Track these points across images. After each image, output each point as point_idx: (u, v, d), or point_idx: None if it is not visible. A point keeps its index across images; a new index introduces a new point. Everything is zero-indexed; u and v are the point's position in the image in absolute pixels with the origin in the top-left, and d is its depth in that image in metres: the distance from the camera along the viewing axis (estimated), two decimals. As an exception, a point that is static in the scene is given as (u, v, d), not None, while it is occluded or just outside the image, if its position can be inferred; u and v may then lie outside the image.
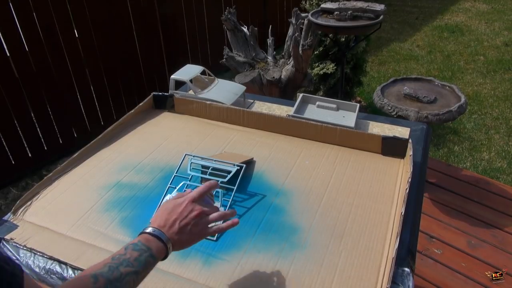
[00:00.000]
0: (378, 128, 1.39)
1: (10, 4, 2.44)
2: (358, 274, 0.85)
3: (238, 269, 0.87)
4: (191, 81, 1.50)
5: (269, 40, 2.79)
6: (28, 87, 2.67)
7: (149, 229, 0.73)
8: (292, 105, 1.48)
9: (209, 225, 0.78)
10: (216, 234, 0.95)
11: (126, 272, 0.65)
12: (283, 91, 2.65)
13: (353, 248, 0.91)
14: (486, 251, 2.04)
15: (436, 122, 2.22)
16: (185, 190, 1.05)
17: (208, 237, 0.94)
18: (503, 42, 4.72)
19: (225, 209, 1.00)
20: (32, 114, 2.77)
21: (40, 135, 2.86)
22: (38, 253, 0.92)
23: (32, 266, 0.90)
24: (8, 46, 2.50)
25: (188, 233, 0.75)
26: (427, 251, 2.05)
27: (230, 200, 1.02)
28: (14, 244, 0.95)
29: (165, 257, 0.73)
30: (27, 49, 2.60)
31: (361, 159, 1.20)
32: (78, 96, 2.99)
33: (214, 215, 0.79)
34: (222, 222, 0.81)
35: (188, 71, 1.54)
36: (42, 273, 0.89)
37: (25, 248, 0.93)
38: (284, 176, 1.14)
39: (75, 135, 3.07)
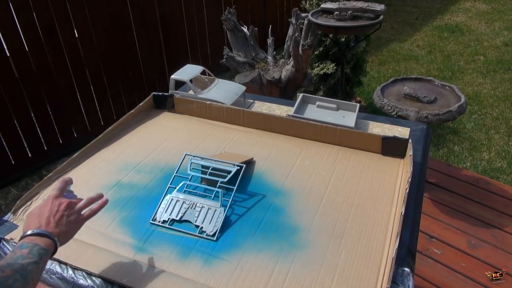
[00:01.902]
0: (378, 128, 1.39)
1: (10, 4, 2.44)
2: (358, 274, 0.85)
3: (238, 269, 0.87)
4: (191, 81, 1.50)
5: (269, 40, 2.79)
6: (28, 87, 2.67)
7: (27, 232, 0.75)
8: (292, 105, 1.48)
9: (82, 212, 0.83)
10: (216, 235, 0.95)
11: (27, 263, 0.68)
12: (283, 91, 2.65)
13: (353, 248, 0.91)
14: (486, 251, 2.04)
15: (436, 122, 2.22)
16: (185, 190, 1.06)
17: (208, 237, 0.94)
18: (503, 42, 4.72)
19: (225, 209, 1.00)
20: (32, 114, 2.77)
21: (40, 135, 2.86)
22: (38, 253, 0.91)
23: (32, 266, 0.90)
24: (8, 46, 2.50)
25: (66, 224, 0.78)
26: (427, 251, 2.05)
27: (230, 200, 1.02)
28: (14, 244, 0.95)
29: (55, 250, 0.75)
30: (27, 49, 2.60)
31: (361, 159, 1.20)
32: (78, 96, 2.99)
33: (82, 202, 0.84)
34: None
35: (188, 71, 1.54)
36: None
37: (25, 248, 0.93)
38: (284, 176, 1.14)
39: (75, 135, 3.07)
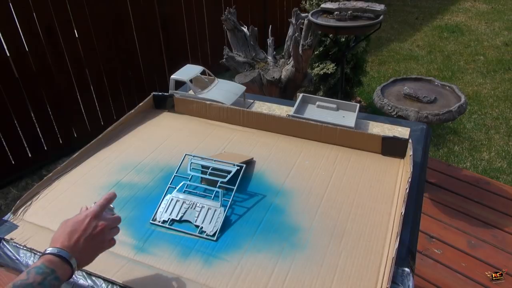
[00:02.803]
0: (378, 128, 1.39)
1: (10, 4, 2.44)
2: (358, 274, 0.85)
3: (238, 269, 0.87)
4: (191, 81, 1.50)
5: (269, 40, 2.79)
6: (28, 87, 2.67)
7: (52, 249, 0.71)
8: (292, 105, 1.48)
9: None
10: (216, 235, 0.95)
11: None
12: (283, 91, 2.65)
13: (353, 248, 0.91)
14: (486, 251, 2.04)
15: (436, 122, 2.22)
16: (185, 190, 1.06)
17: (208, 237, 0.94)
18: (503, 42, 4.72)
19: (225, 209, 1.00)
20: (32, 114, 2.77)
21: (40, 135, 2.86)
22: (38, 253, 0.91)
23: (32, 266, 0.90)
24: (8, 46, 2.50)
25: (92, 249, 0.75)
26: (427, 251, 2.05)
27: (230, 200, 1.02)
28: (14, 244, 0.95)
29: (69, 278, 0.71)
30: (27, 49, 2.60)
31: (361, 159, 1.20)
32: (78, 96, 2.99)
33: (114, 227, 0.80)
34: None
35: (188, 71, 1.54)
36: (42, 273, 0.89)
37: (25, 248, 0.93)
38: (284, 176, 1.14)
39: (75, 135, 3.07)
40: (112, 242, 0.80)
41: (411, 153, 1.12)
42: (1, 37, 2.46)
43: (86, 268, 0.87)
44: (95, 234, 0.75)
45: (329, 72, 3.14)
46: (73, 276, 0.75)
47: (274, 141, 1.30)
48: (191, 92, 1.55)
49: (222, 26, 2.69)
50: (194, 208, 1.01)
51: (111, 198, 0.82)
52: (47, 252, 0.71)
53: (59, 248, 0.71)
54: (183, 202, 1.03)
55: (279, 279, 0.84)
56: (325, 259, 0.88)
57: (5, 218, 1.02)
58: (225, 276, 0.85)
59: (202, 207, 1.01)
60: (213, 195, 1.04)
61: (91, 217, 0.76)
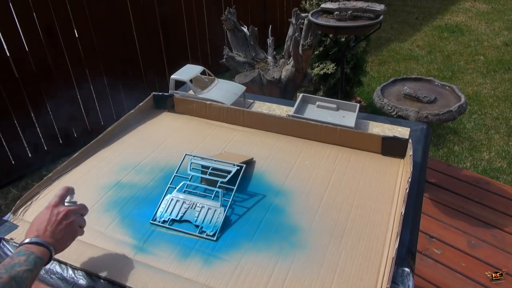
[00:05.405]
0: (378, 128, 1.39)
1: (10, 4, 2.44)
2: (358, 274, 0.85)
3: (238, 269, 0.87)
4: (191, 81, 1.50)
5: (269, 40, 2.79)
6: (28, 87, 2.67)
7: (25, 240, 0.78)
8: (292, 105, 1.48)
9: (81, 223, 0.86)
10: (216, 235, 0.95)
11: (22, 271, 0.71)
12: (283, 91, 2.65)
13: (353, 248, 0.91)
14: (486, 251, 2.04)
15: (436, 122, 2.22)
16: (185, 190, 1.06)
17: (208, 237, 0.94)
18: (503, 42, 4.72)
19: (225, 209, 1.00)
20: (32, 114, 2.77)
21: (40, 135, 2.86)
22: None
23: (32, 266, 0.90)
24: (8, 46, 2.50)
25: (62, 234, 0.81)
26: (427, 251, 2.05)
27: (230, 200, 1.02)
28: (14, 244, 0.95)
29: (50, 259, 0.78)
30: (27, 49, 2.60)
31: (361, 159, 1.20)
32: (78, 96, 2.99)
33: (80, 215, 0.86)
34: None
35: (188, 71, 1.54)
36: (42, 273, 0.89)
37: (25, 248, 0.93)
38: (284, 176, 1.14)
39: (75, 135, 3.07)
40: (82, 231, 0.86)
41: (411, 153, 1.12)
42: (1, 37, 2.46)
43: (86, 267, 0.87)
44: (59, 219, 0.81)
45: (329, 72, 3.14)
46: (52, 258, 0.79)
47: (274, 141, 1.30)
48: (191, 92, 1.55)
49: (222, 26, 2.69)
50: (194, 208, 1.01)
51: (69, 189, 0.87)
52: (22, 243, 0.78)
53: (31, 237, 0.78)
54: (183, 202, 1.03)
55: (279, 279, 0.84)
56: (325, 259, 0.88)
57: (5, 218, 1.02)
58: (225, 276, 0.85)
59: (202, 207, 1.01)
60: (213, 195, 1.04)
61: (52, 207, 0.83)
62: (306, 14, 2.64)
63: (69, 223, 0.82)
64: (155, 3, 3.31)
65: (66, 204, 0.85)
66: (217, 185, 1.04)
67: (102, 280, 0.85)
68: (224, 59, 2.61)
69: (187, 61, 3.31)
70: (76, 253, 0.91)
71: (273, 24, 3.08)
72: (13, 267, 0.71)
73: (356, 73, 3.31)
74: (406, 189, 1.00)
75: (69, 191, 0.87)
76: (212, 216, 0.99)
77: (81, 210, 0.87)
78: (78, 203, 0.88)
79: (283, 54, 2.81)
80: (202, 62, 3.92)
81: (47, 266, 0.89)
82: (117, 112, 3.27)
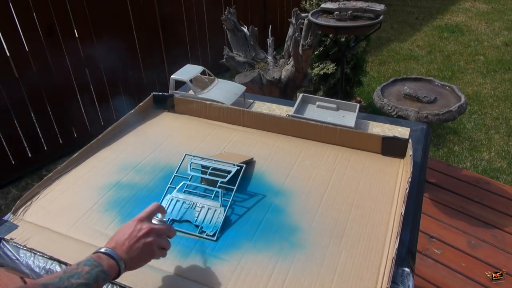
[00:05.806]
0: (378, 128, 1.39)
1: (10, 4, 2.44)
2: (358, 274, 0.85)
3: (238, 269, 0.87)
4: (191, 81, 1.50)
5: (269, 40, 2.79)
6: (28, 87, 2.67)
7: (102, 249, 0.76)
8: (292, 105, 1.48)
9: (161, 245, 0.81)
10: (216, 235, 0.95)
11: (77, 284, 0.67)
12: (283, 91, 2.65)
13: (353, 248, 0.91)
14: (486, 251, 2.04)
15: (436, 122, 2.22)
16: (185, 190, 1.06)
17: (208, 237, 0.94)
18: (503, 42, 4.72)
19: (225, 209, 1.00)
20: (32, 114, 2.77)
21: (40, 135, 2.86)
22: (38, 253, 0.92)
23: (32, 266, 0.90)
24: (8, 46, 2.50)
25: (139, 251, 0.77)
26: (427, 251, 2.05)
27: (230, 200, 1.02)
28: (14, 244, 0.95)
29: (117, 275, 0.74)
30: (27, 49, 2.60)
31: (361, 159, 1.20)
32: (78, 96, 2.99)
33: (164, 236, 0.81)
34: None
35: (188, 71, 1.54)
36: (42, 273, 0.89)
37: (25, 248, 0.93)
38: (284, 176, 1.14)
39: (75, 135, 3.07)
40: (162, 251, 0.82)
41: (411, 153, 1.12)
42: (1, 37, 2.46)
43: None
44: (140, 236, 0.77)
45: (329, 72, 3.14)
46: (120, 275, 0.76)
47: (274, 141, 1.30)
48: (191, 92, 1.55)
49: (222, 26, 2.69)
50: (194, 208, 1.01)
51: (158, 207, 0.83)
52: (97, 251, 0.76)
53: (108, 248, 0.76)
54: (183, 202, 1.03)
55: (279, 279, 0.84)
56: (325, 259, 0.88)
57: (5, 218, 1.02)
58: (225, 276, 0.85)
59: (202, 207, 1.01)
60: (213, 195, 1.04)
61: (137, 221, 0.79)
62: (306, 14, 2.64)
63: (148, 243, 0.77)
64: (155, 3, 3.31)
65: (153, 221, 0.82)
66: (217, 185, 1.04)
67: (102, 280, 0.85)
68: (224, 59, 2.61)
69: (187, 61, 3.31)
70: (76, 253, 0.91)
71: (273, 24, 3.08)
72: (70, 277, 0.67)
73: (356, 73, 3.31)
74: (406, 189, 1.00)
75: (159, 209, 0.83)
76: (212, 216, 0.99)
77: (167, 231, 0.82)
78: (158, 220, 0.83)
79: (283, 54, 2.81)
80: (202, 62, 3.91)
81: (47, 266, 0.89)
82: (117, 112, 3.27)
